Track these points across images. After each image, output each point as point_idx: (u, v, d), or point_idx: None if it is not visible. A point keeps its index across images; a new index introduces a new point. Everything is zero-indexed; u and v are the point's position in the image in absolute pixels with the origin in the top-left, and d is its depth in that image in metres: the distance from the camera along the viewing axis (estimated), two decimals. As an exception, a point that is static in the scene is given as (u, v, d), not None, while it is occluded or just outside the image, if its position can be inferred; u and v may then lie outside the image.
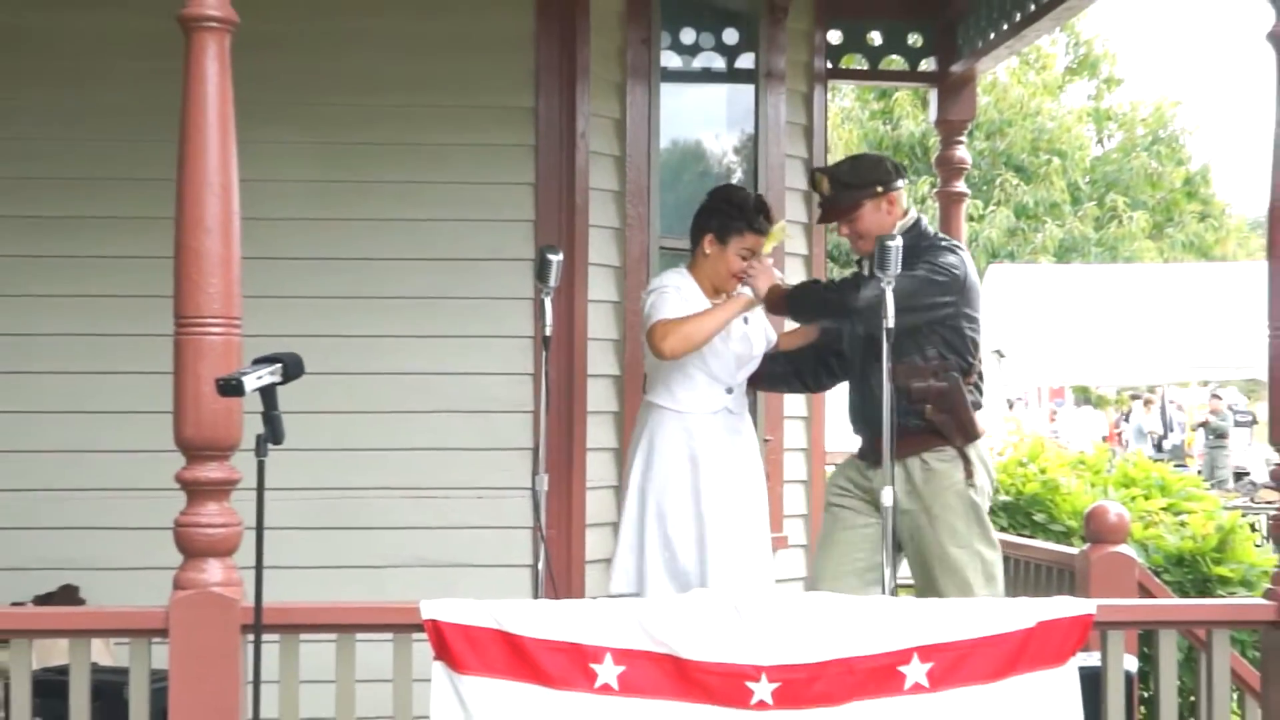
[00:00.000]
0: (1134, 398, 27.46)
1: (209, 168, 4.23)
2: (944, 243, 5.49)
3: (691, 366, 5.52)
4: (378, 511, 6.21)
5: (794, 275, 7.33)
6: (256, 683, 3.88)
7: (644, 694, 4.13)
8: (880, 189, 5.47)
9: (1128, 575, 5.67)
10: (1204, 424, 23.11)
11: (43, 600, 5.81)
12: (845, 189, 5.45)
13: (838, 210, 5.49)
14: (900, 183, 5.56)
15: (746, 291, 5.48)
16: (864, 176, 5.49)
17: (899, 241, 5.00)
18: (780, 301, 5.46)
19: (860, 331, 5.43)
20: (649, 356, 5.57)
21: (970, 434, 5.40)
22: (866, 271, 5.25)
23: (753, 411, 6.94)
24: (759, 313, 5.69)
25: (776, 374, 5.82)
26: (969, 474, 5.36)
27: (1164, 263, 28.67)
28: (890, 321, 4.96)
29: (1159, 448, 23.38)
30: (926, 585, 5.37)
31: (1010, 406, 21.75)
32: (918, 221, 5.54)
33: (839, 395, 6.06)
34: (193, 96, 4.23)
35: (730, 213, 5.55)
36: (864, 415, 5.50)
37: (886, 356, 4.98)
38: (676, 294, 5.49)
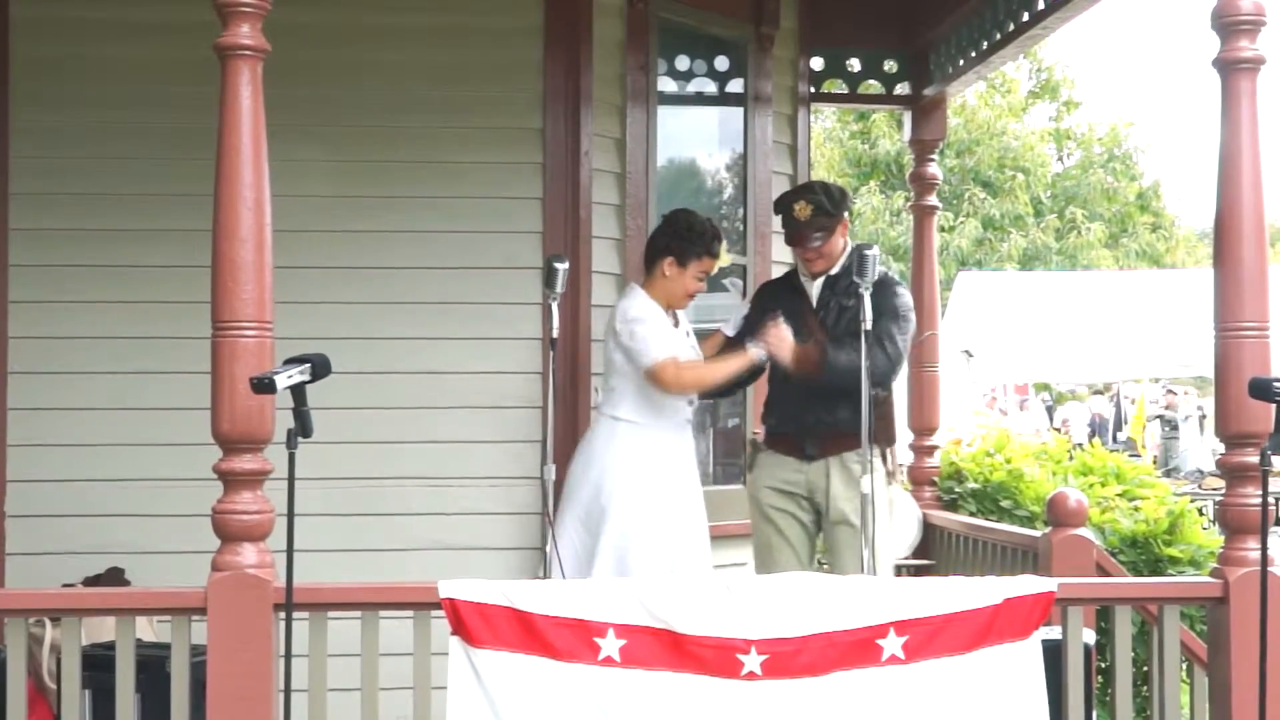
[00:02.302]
0: (1096, 393, 27.45)
1: (243, 184, 4.21)
2: (896, 282, 5.64)
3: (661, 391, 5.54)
4: (399, 499, 6.20)
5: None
6: (288, 657, 3.87)
7: (643, 665, 4.12)
8: (845, 215, 5.68)
9: (1086, 556, 5.66)
10: (1159, 417, 23.09)
11: (91, 581, 5.80)
12: (826, 215, 5.55)
13: (814, 234, 5.55)
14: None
15: (757, 354, 5.47)
16: (839, 206, 5.66)
17: (876, 251, 5.08)
18: (813, 365, 5.43)
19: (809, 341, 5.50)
20: (619, 374, 5.55)
21: (891, 439, 5.66)
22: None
23: (741, 410, 6.97)
24: (685, 321, 5.71)
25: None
26: (889, 473, 5.60)
27: (1119, 270, 28.64)
28: (868, 324, 4.98)
29: (1114, 439, 23.34)
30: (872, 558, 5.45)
31: (990, 403, 21.72)
32: (846, 243, 5.70)
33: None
34: (228, 119, 4.22)
35: (691, 239, 5.61)
36: (800, 416, 5.54)
37: (865, 356, 4.99)
38: (657, 326, 5.52)
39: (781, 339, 5.43)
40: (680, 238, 5.60)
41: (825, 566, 6.08)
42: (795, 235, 5.63)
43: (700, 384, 5.58)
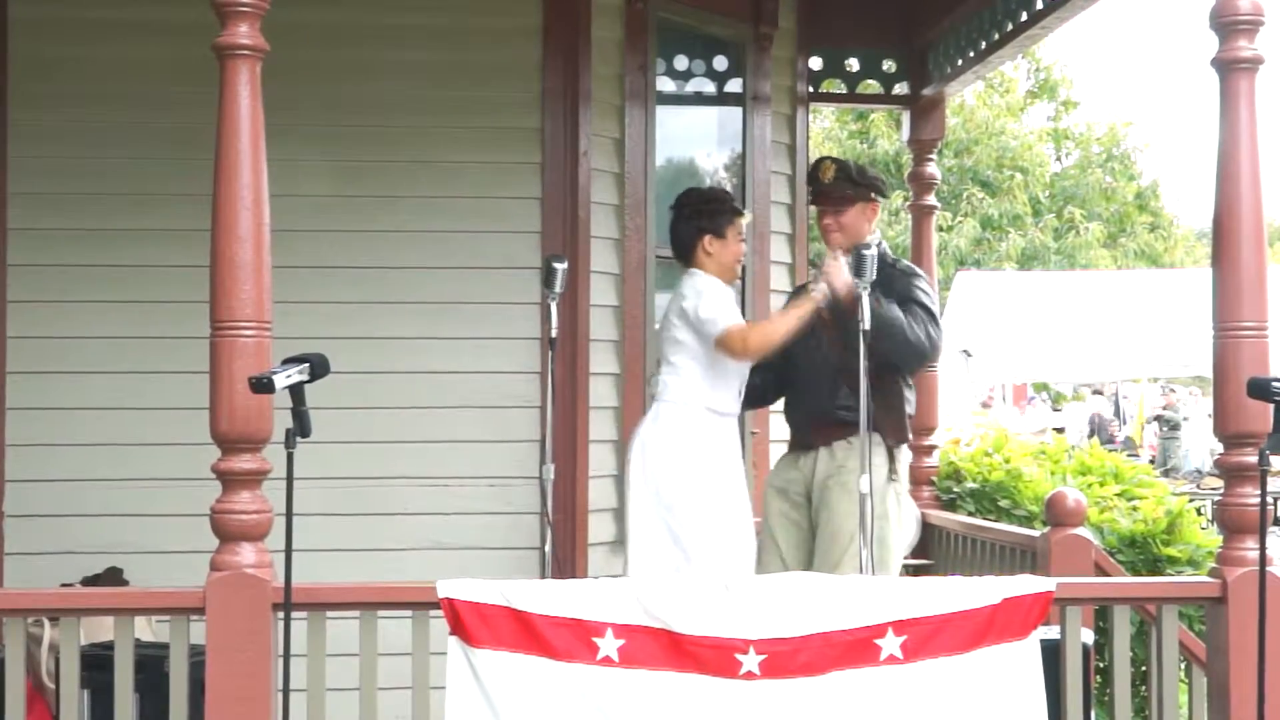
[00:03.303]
0: (1096, 393, 27.48)
1: (242, 184, 4.21)
2: (919, 275, 5.59)
3: (727, 371, 5.46)
4: (398, 499, 6.20)
5: (778, 281, 7.33)
6: (286, 657, 3.87)
7: (642, 665, 4.12)
8: (873, 195, 5.63)
9: (1085, 556, 5.65)
10: (1158, 417, 23.12)
11: (90, 581, 5.79)
12: (849, 183, 5.58)
13: (834, 199, 5.56)
14: (883, 200, 5.74)
15: (819, 290, 5.34)
16: (868, 179, 5.65)
17: (874, 250, 5.05)
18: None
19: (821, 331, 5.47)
20: (686, 354, 5.42)
21: (901, 435, 5.54)
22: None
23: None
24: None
25: (758, 388, 5.74)
26: (893, 470, 5.49)
27: (1117, 270, 28.64)
28: (867, 324, 4.97)
29: (1112, 439, 23.35)
30: (819, 551, 5.45)
31: (988, 406, 21.76)
32: (880, 242, 5.65)
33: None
34: (227, 118, 4.22)
35: (714, 209, 5.54)
36: (802, 403, 5.53)
37: (864, 357, 4.98)
38: (724, 296, 5.43)
39: (836, 269, 5.31)
40: (705, 213, 5.53)
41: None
42: (816, 196, 5.65)
43: (768, 339, 5.39)
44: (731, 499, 5.42)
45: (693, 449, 5.39)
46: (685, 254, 5.57)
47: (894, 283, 5.43)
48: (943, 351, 5.59)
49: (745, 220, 5.68)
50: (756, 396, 5.81)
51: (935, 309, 5.55)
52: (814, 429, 5.54)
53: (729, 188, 7.29)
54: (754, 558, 5.50)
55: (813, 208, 5.80)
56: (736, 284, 6.94)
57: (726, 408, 5.48)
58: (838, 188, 5.55)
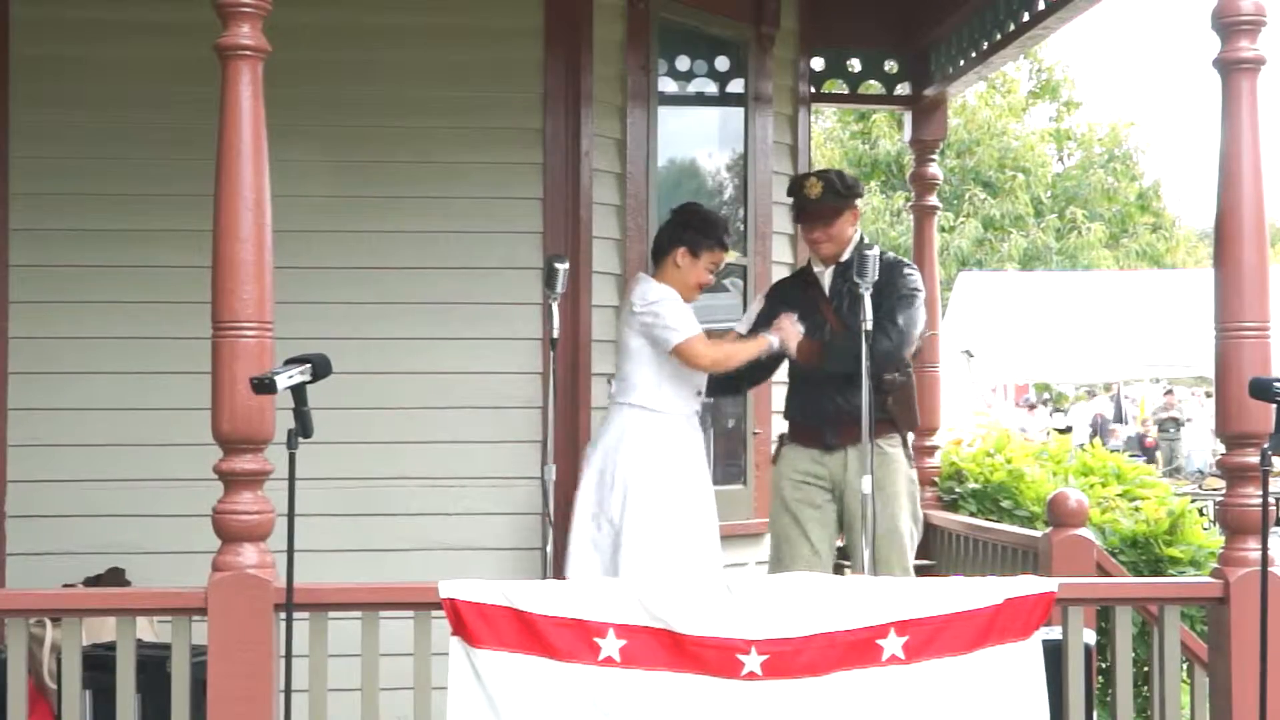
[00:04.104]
0: (1091, 395, 27.48)
1: (243, 184, 4.22)
2: (906, 264, 5.71)
3: (681, 371, 5.50)
4: (399, 499, 6.20)
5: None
6: (288, 657, 3.87)
7: (643, 665, 4.13)
8: (856, 202, 5.74)
9: (1087, 556, 5.66)
10: (1170, 418, 23.09)
11: (92, 582, 5.80)
12: (836, 196, 5.64)
13: (822, 214, 5.62)
14: (861, 199, 5.92)
15: (772, 340, 5.49)
16: (850, 189, 5.74)
17: (877, 251, 5.11)
18: (815, 354, 5.52)
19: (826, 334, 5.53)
20: (634, 360, 5.50)
21: (914, 424, 5.79)
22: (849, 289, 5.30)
23: (742, 407, 6.96)
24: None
25: (728, 380, 5.80)
26: (909, 458, 5.69)
27: (1119, 270, 28.64)
28: (869, 324, 4.99)
29: (1142, 439, 23.33)
30: (871, 557, 5.48)
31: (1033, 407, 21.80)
32: (861, 236, 5.79)
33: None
34: (228, 119, 4.23)
35: (705, 230, 5.61)
36: (820, 406, 5.57)
37: (866, 356, 5.00)
38: (680, 305, 5.51)
39: (788, 328, 5.46)
40: (693, 228, 5.60)
41: (848, 567, 6.06)
42: (803, 213, 5.73)
43: (727, 360, 5.54)
44: (692, 496, 5.45)
45: (651, 453, 5.44)
46: (658, 254, 5.67)
47: (889, 276, 5.47)
48: (915, 337, 5.62)
49: (726, 256, 5.74)
50: (733, 386, 5.97)
51: (919, 293, 5.63)
52: (838, 430, 5.56)
53: (731, 188, 7.31)
54: (717, 557, 5.53)
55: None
56: (737, 284, 6.98)
57: (683, 409, 5.53)
58: (826, 202, 5.63)
